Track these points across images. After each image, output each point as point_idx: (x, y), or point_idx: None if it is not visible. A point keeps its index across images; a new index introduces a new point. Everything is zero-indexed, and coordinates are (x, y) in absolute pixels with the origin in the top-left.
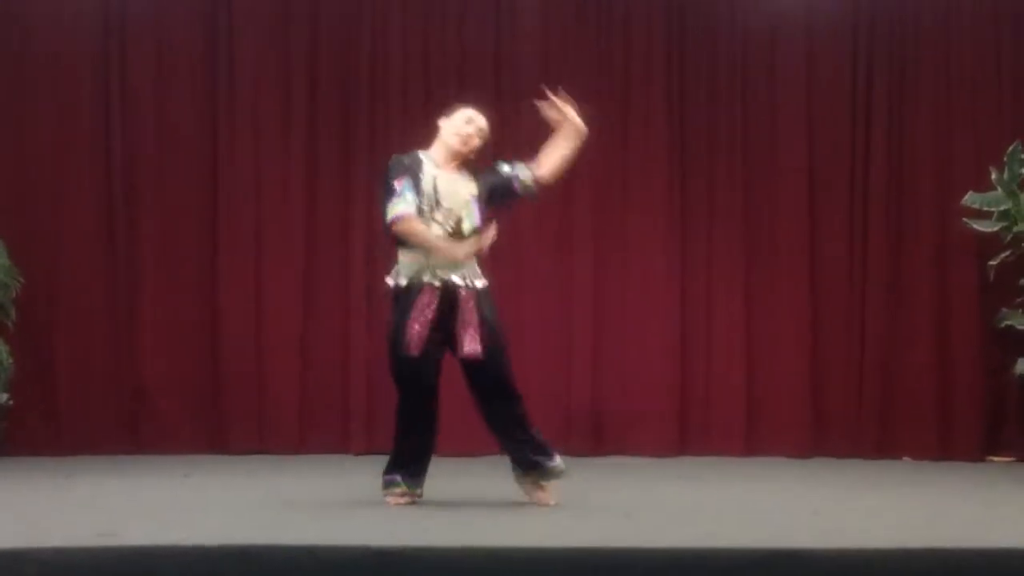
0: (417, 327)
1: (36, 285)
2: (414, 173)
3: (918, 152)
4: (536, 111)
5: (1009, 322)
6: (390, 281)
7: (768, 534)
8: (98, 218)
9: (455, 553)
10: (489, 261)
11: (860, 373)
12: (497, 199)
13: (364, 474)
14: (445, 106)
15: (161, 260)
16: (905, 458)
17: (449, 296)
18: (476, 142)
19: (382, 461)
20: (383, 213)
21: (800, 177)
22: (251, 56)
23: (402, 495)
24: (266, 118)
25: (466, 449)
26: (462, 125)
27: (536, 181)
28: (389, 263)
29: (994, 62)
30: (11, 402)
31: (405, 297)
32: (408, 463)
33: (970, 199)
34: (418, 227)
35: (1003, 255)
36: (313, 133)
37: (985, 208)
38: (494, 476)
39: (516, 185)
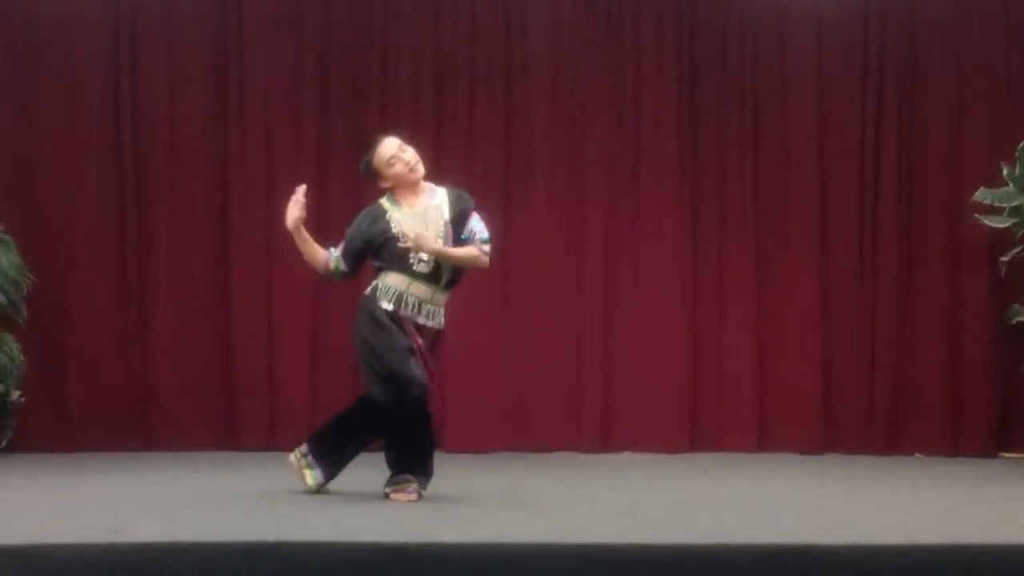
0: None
1: (47, 284)
2: (364, 231)
3: (929, 149)
4: (549, 115)
5: (1021, 318)
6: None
7: (777, 530)
8: (109, 217)
9: (465, 549)
10: (504, 261)
11: (872, 370)
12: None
13: (373, 470)
14: (456, 111)
15: (173, 259)
16: (917, 454)
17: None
18: (413, 155)
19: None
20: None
21: (811, 175)
22: (262, 61)
23: (413, 492)
24: (277, 121)
25: (471, 446)
26: (398, 155)
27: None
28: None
29: (1004, 58)
30: (23, 399)
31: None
32: (422, 461)
33: (981, 195)
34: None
35: (1015, 251)
36: (324, 136)
37: (996, 204)
38: (501, 472)
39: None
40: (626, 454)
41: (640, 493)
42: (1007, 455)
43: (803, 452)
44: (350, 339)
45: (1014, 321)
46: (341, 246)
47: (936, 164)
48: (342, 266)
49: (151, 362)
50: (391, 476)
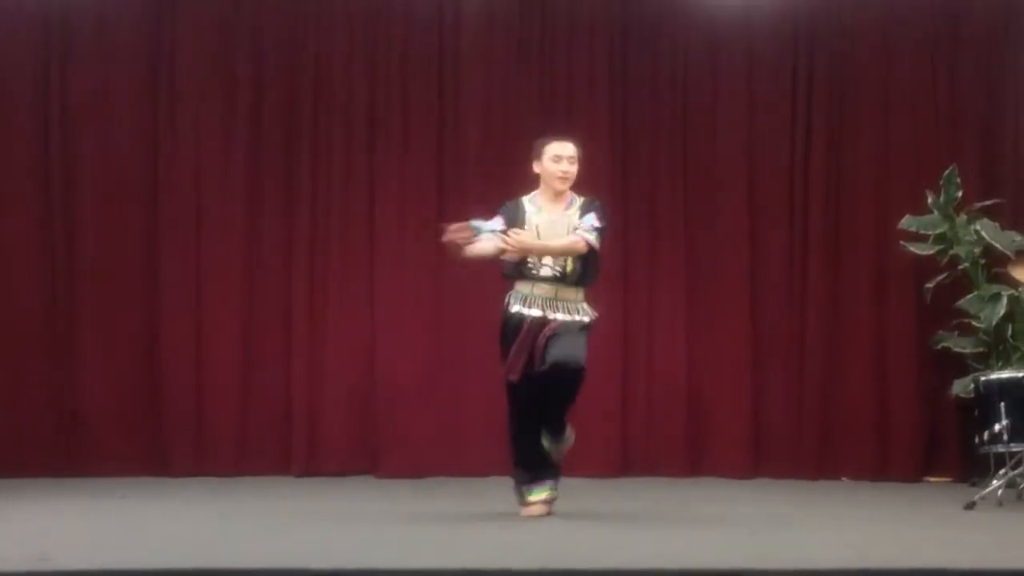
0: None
1: None
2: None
3: (856, 175)
4: (481, 140)
5: (945, 344)
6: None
7: (707, 555)
8: (36, 240)
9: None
10: (436, 285)
11: (800, 395)
12: None
13: (304, 496)
14: (390, 133)
15: (100, 282)
16: (844, 479)
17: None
18: (573, 171)
19: (323, 483)
20: None
21: (740, 199)
22: (194, 79)
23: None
24: (208, 141)
25: (407, 472)
26: (554, 167)
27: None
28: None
29: (930, 87)
30: None
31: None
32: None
33: (907, 222)
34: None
35: (939, 278)
36: (255, 157)
37: (922, 231)
38: (435, 498)
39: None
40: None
41: (571, 518)
42: (932, 479)
43: (732, 476)
44: (282, 364)
45: (939, 347)
46: (494, 223)
47: (863, 191)
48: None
49: (77, 386)
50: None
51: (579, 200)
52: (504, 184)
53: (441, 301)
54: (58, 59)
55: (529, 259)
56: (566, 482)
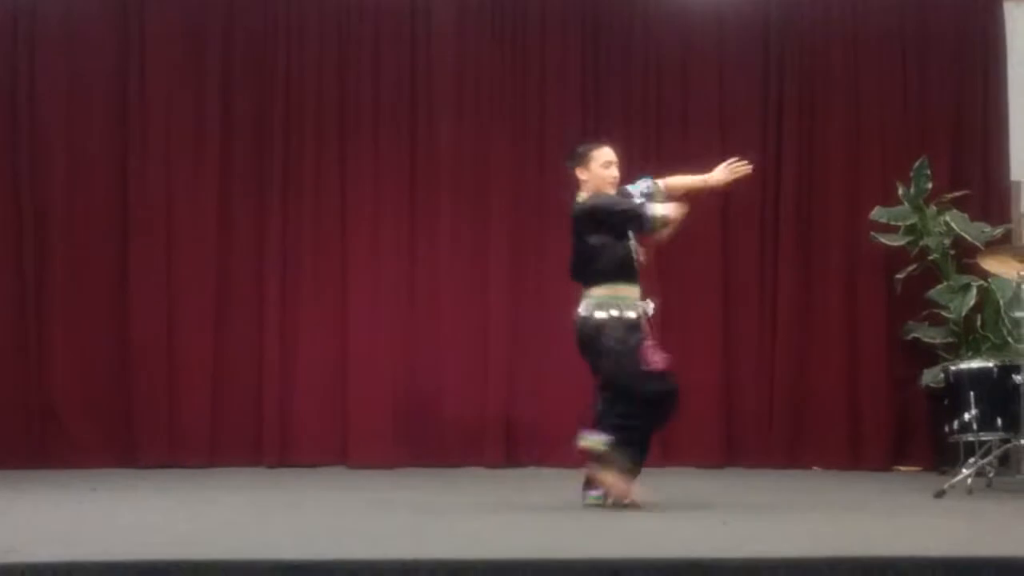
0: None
1: None
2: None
3: (827, 167)
4: (454, 141)
5: (915, 334)
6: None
7: (678, 544)
8: (5, 236)
9: (368, 565)
10: (409, 283)
11: (771, 385)
12: None
13: (277, 487)
14: (361, 136)
15: (70, 275)
16: (815, 468)
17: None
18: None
19: (296, 473)
20: (638, 226)
21: (712, 193)
22: (165, 82)
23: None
24: (179, 146)
25: (377, 461)
26: (606, 172)
27: (659, 189)
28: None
29: (900, 80)
30: None
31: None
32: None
33: (877, 214)
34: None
35: (909, 269)
36: (227, 153)
37: (892, 223)
38: (406, 488)
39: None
40: (531, 469)
41: (543, 508)
42: (902, 468)
43: (704, 466)
44: (253, 355)
45: (909, 337)
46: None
47: (834, 183)
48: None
49: (48, 379)
50: None
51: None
52: (476, 175)
53: (413, 296)
54: (27, 53)
55: (641, 258)
56: (541, 473)
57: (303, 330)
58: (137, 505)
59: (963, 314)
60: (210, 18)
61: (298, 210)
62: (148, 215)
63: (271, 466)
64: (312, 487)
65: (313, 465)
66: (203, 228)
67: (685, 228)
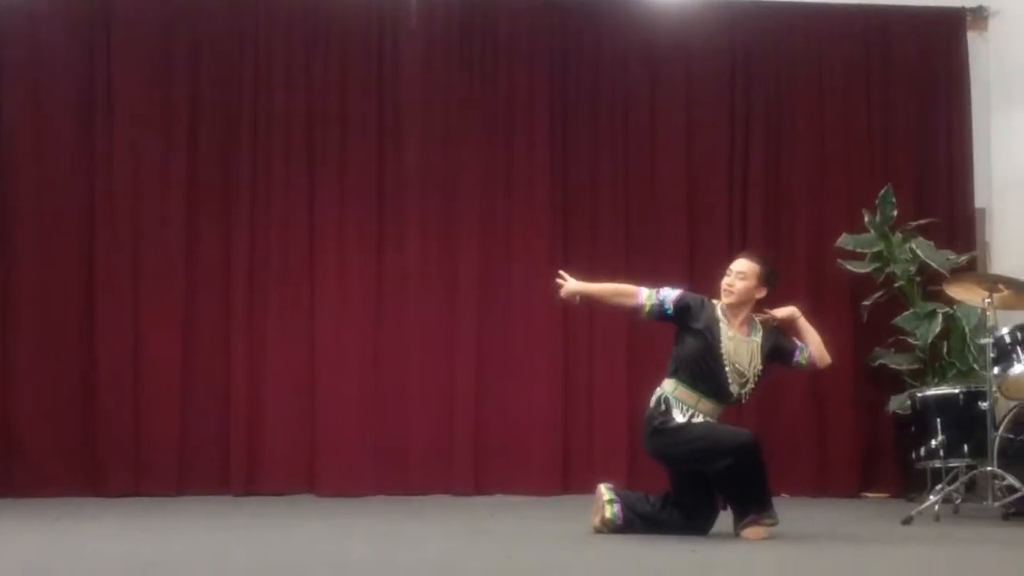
0: None
1: None
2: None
3: (793, 195)
4: (422, 160)
5: (882, 361)
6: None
7: (646, 571)
8: None
9: None
10: (376, 303)
11: (738, 413)
12: (775, 359)
13: (244, 515)
14: (328, 148)
15: (35, 303)
16: (783, 495)
17: None
18: (738, 285)
19: (263, 501)
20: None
21: (681, 219)
22: (132, 91)
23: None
24: (146, 166)
25: (345, 490)
26: (724, 281)
27: (809, 362)
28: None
29: (865, 110)
30: None
31: None
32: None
33: (843, 241)
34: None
35: (876, 296)
36: (193, 175)
37: (859, 250)
38: (374, 516)
39: (796, 358)
40: (498, 497)
41: (511, 536)
42: (870, 495)
43: None
44: (221, 384)
45: (876, 364)
46: (666, 291)
47: (800, 210)
48: (668, 306)
49: (13, 407)
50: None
51: (760, 328)
52: (444, 199)
53: (381, 321)
54: None
55: (730, 380)
56: (509, 500)
57: (270, 358)
58: (103, 534)
59: (929, 341)
60: (178, 36)
61: (265, 236)
62: (114, 241)
63: (238, 495)
64: (279, 516)
65: (280, 494)
66: (170, 255)
67: (657, 251)
